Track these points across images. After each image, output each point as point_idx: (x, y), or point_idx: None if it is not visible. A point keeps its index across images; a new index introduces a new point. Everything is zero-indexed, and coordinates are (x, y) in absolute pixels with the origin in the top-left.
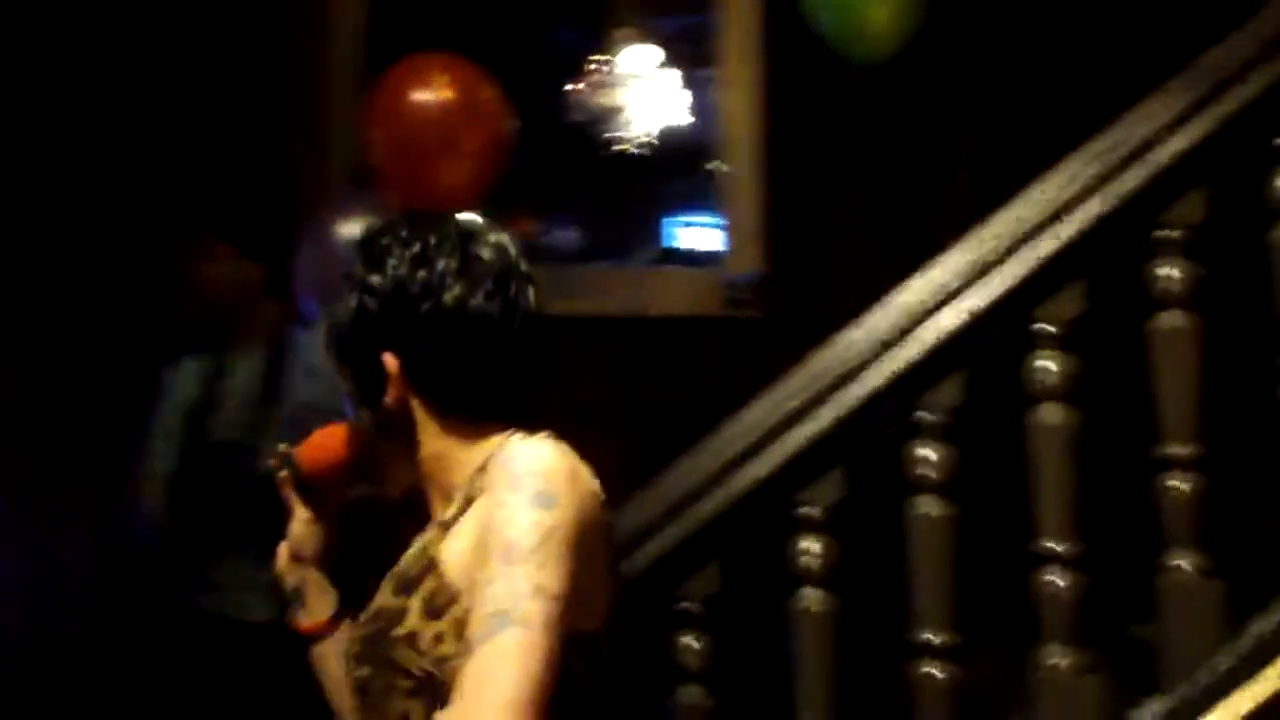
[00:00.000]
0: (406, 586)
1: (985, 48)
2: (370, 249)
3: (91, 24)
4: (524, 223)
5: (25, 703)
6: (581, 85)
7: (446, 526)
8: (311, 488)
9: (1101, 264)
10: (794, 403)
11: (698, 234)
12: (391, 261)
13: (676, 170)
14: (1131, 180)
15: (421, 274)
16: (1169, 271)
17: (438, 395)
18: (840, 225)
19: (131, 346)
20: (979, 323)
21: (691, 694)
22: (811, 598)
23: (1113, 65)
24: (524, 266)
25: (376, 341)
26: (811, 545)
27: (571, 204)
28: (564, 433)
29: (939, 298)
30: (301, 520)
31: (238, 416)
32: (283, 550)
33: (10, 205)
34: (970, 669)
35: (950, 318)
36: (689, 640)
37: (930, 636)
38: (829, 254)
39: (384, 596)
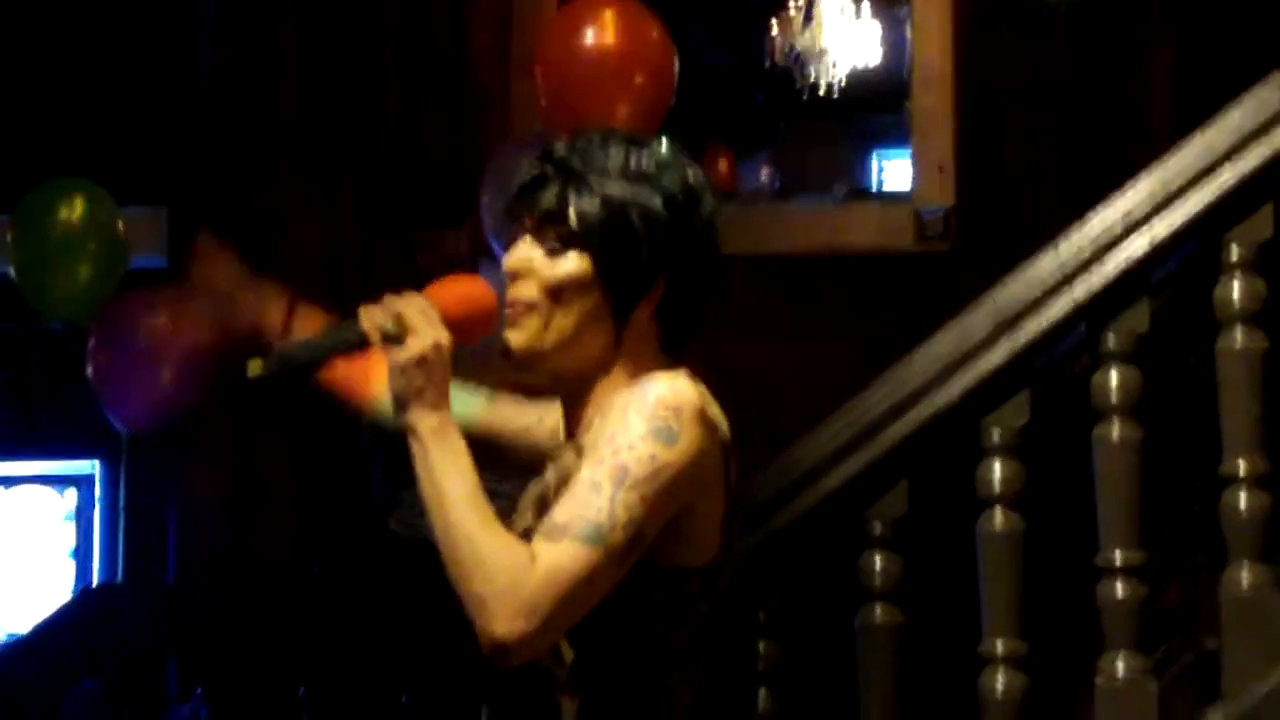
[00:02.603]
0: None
1: None
2: (637, 165)
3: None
4: (719, 162)
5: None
6: (780, 25)
7: (582, 451)
8: None
9: None
10: (979, 333)
11: (896, 169)
12: (665, 180)
13: (874, 107)
14: None
15: (688, 188)
16: None
17: (669, 325)
18: (1030, 158)
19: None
20: (1165, 251)
21: (878, 613)
22: (998, 519)
23: None
24: None
25: (657, 258)
26: (998, 469)
27: (769, 143)
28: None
29: (1124, 227)
30: None
31: None
32: None
33: None
34: (1158, 589)
35: (1135, 246)
36: (877, 560)
37: (1118, 555)
38: (1019, 187)
39: (528, 519)
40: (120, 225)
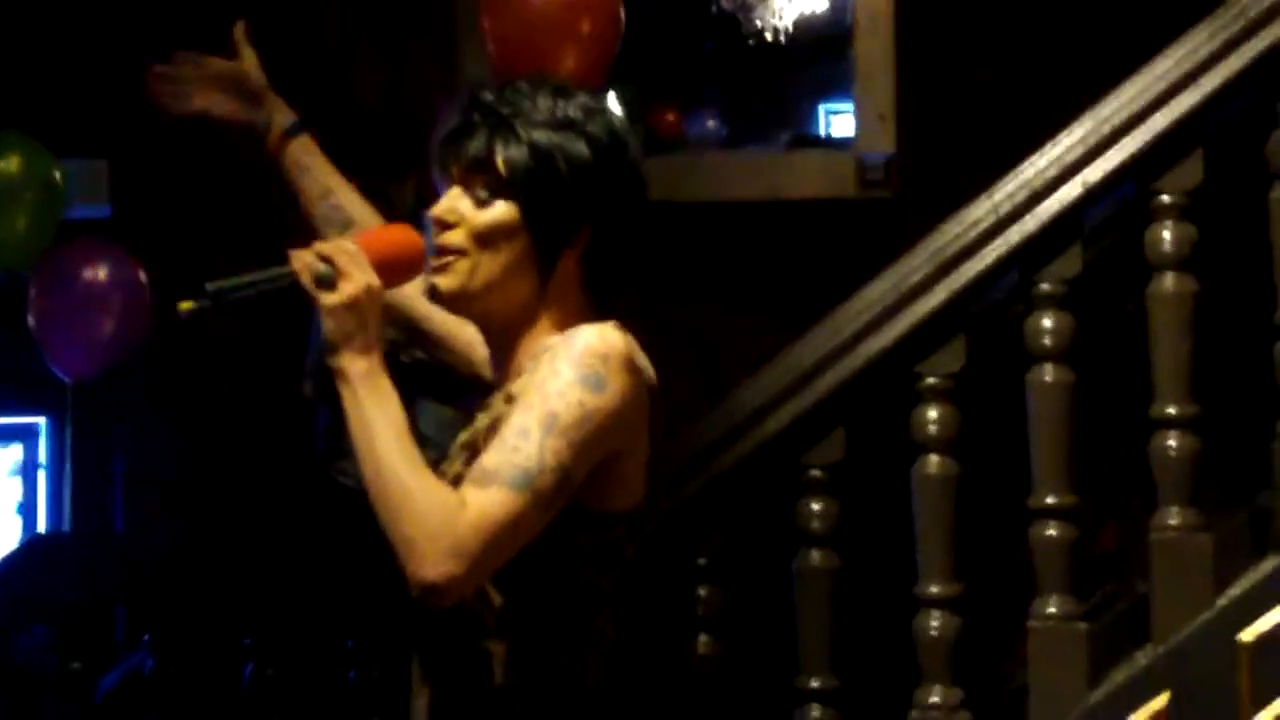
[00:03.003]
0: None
1: None
2: (564, 113)
3: None
4: (666, 111)
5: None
6: None
7: (512, 399)
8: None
9: (1221, 135)
10: (916, 278)
11: (840, 119)
12: (591, 127)
13: (822, 56)
14: (1250, 52)
15: (614, 134)
16: None
17: (593, 272)
18: (972, 105)
19: None
20: (1097, 196)
21: (815, 557)
22: (934, 464)
23: None
24: None
25: (582, 204)
26: (933, 414)
27: (714, 91)
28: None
29: (1057, 172)
30: None
31: None
32: None
33: None
34: (1093, 534)
35: (1068, 192)
36: (814, 505)
37: (1050, 498)
38: (960, 134)
39: (457, 466)
40: (57, 174)
